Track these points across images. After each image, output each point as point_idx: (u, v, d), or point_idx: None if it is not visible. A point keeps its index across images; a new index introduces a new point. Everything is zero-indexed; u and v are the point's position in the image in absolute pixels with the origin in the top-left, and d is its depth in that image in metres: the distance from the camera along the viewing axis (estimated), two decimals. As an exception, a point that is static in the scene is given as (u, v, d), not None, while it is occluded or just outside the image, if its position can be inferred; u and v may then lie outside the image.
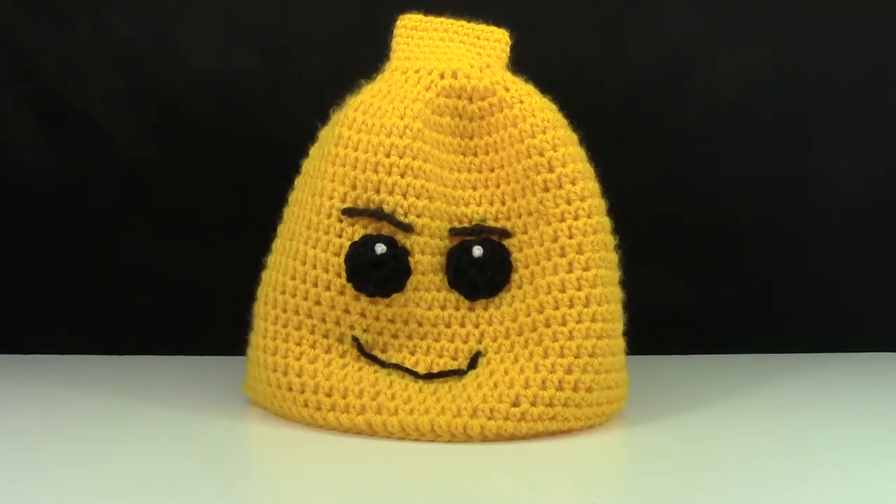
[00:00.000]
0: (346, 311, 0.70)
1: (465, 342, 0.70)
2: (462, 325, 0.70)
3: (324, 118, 0.74)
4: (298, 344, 0.70)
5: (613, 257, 0.71)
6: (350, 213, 0.69)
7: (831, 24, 0.95)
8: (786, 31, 0.94)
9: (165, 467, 0.61)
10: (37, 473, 0.60)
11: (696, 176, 0.95)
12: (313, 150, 0.73)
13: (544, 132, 0.70)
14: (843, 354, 0.95)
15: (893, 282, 0.98)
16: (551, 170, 0.70)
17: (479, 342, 0.70)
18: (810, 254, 0.97)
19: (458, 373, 0.69)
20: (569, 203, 0.70)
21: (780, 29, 0.94)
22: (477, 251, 0.70)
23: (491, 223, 0.71)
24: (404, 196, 0.69)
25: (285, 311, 0.71)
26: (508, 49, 0.73)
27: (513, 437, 0.67)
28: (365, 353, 0.70)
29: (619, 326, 0.71)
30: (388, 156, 0.69)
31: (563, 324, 0.68)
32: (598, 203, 0.71)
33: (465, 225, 0.71)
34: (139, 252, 0.92)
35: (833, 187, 0.96)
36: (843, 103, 0.96)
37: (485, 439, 0.67)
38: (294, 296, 0.70)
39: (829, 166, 0.96)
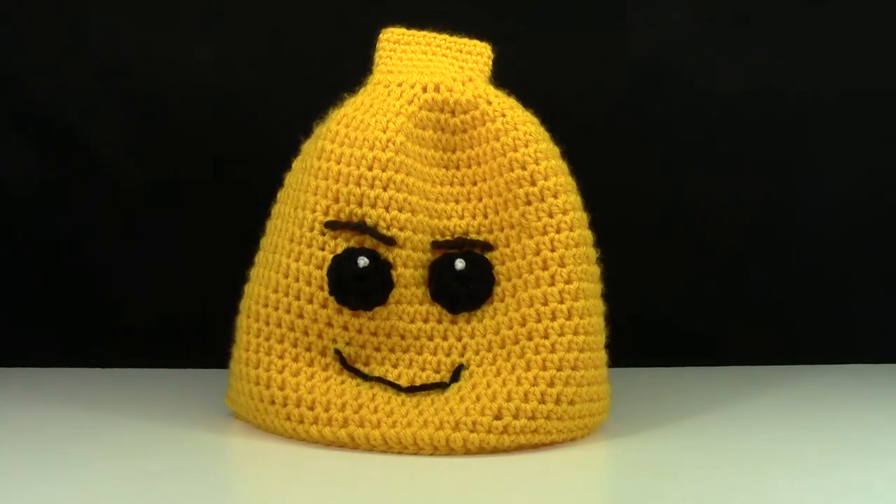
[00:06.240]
0: (329, 325, 0.70)
1: (448, 355, 0.70)
2: (444, 338, 0.70)
3: (307, 131, 0.74)
4: (281, 357, 0.70)
5: (595, 270, 0.72)
6: (333, 226, 0.69)
7: (829, 28, 0.95)
8: (784, 37, 0.95)
9: (147, 480, 0.61)
10: (17, 486, 0.59)
11: (680, 188, 0.95)
12: (296, 164, 0.73)
13: (526, 145, 0.70)
14: (826, 366, 0.96)
15: (885, 293, 0.98)
16: (533, 183, 0.70)
17: (462, 355, 0.70)
18: (797, 264, 0.97)
19: (441, 386, 0.69)
20: (551, 216, 0.70)
21: (778, 33, 0.95)
22: (459, 264, 0.70)
23: (473, 236, 0.71)
24: (387, 209, 0.69)
25: (268, 324, 0.71)
26: (491, 62, 0.74)
27: (495, 450, 0.67)
28: (347, 366, 0.70)
29: (601, 339, 0.71)
30: (370, 169, 0.69)
31: (546, 336, 0.69)
32: (580, 216, 0.71)
33: (448, 238, 0.71)
34: (121, 264, 0.92)
35: (823, 197, 0.97)
36: (838, 112, 0.96)
37: (467, 452, 0.67)
38: (277, 309, 0.70)
39: (822, 175, 0.96)
